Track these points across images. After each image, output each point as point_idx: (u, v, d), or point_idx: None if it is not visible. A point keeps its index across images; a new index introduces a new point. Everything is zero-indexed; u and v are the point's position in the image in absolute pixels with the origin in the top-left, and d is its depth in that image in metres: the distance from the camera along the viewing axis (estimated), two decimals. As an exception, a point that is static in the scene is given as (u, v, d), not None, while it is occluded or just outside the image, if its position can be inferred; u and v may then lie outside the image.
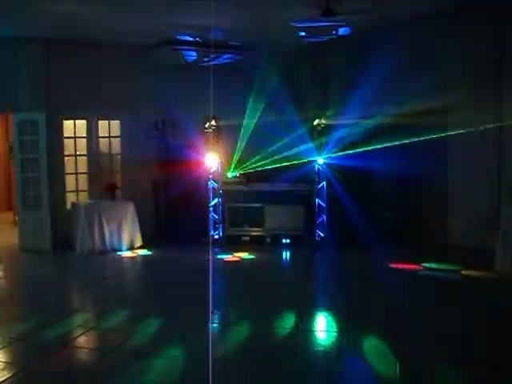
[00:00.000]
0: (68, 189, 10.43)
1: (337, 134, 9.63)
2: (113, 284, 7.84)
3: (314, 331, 5.56)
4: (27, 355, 4.88)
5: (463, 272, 7.59)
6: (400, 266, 7.99)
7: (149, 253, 9.53)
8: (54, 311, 6.29)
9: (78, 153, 10.49)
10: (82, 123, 10.46)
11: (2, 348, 4.96)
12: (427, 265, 7.96)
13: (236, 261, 8.83)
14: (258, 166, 9.93)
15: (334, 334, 5.46)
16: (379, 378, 4.24)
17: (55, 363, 4.69)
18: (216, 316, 5.97)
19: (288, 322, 5.73)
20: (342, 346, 5.03)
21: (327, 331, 5.60)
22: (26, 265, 9.25)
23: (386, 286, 7.00)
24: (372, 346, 4.88)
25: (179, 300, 6.64)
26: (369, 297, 6.67)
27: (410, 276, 7.55)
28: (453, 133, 9.23)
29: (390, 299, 6.40)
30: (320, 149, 9.65)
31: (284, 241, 9.79)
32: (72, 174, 10.46)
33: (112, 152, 10.78)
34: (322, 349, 5.02)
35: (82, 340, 5.25)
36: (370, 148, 9.69)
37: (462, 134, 9.06)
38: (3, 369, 4.44)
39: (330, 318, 6.04)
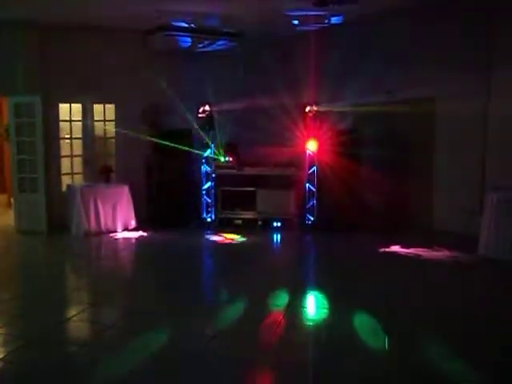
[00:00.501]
0: (63, 171, 10.56)
1: (328, 121, 9.87)
2: (110, 264, 8.09)
3: (304, 307, 5.85)
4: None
5: (447, 255, 7.90)
6: (386, 248, 8.26)
7: (143, 234, 9.75)
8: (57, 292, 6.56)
9: (73, 136, 10.62)
10: (77, 107, 10.59)
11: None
12: (413, 249, 8.23)
13: (228, 242, 9.08)
14: (251, 151, 10.19)
15: (322, 310, 5.77)
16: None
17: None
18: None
19: (279, 299, 6.02)
20: (328, 319, 5.36)
21: (316, 307, 5.92)
22: (22, 246, 9.41)
23: (371, 266, 7.45)
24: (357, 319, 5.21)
25: (175, 279, 6.91)
26: (354, 276, 7.03)
27: (395, 258, 7.84)
28: (440, 121, 9.61)
29: (374, 278, 6.85)
30: (311, 134, 9.88)
31: (275, 224, 10.05)
32: (67, 156, 10.60)
33: (107, 135, 10.92)
34: (311, 323, 5.33)
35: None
36: (359, 134, 10.00)
37: (448, 122, 9.42)
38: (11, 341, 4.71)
39: (317, 295, 6.35)
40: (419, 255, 7.90)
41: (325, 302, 6.06)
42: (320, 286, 6.71)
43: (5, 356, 4.40)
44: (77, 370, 4.23)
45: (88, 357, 4.47)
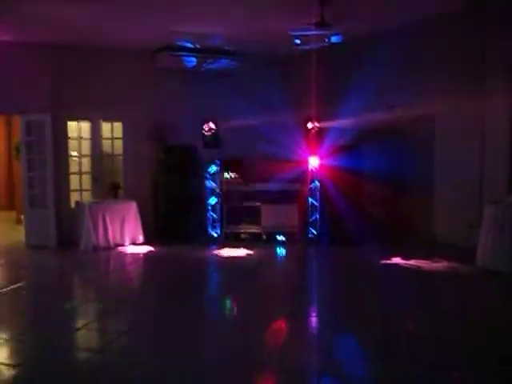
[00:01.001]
0: (72, 188, 10.83)
1: (329, 137, 10.13)
2: (119, 276, 8.33)
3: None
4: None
5: (446, 266, 8.12)
6: (387, 261, 8.49)
7: (151, 249, 9.98)
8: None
9: (82, 153, 10.92)
10: (86, 125, 10.89)
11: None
12: (413, 261, 8.44)
13: (234, 256, 9.31)
14: (256, 167, 10.47)
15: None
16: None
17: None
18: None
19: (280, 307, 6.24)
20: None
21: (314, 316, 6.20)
22: (34, 259, 9.68)
23: (371, 278, 7.74)
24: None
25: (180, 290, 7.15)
26: (353, 286, 7.30)
27: (396, 270, 8.08)
28: (439, 137, 9.86)
29: (374, 289, 7.13)
30: (313, 150, 10.14)
31: (279, 238, 10.28)
32: (76, 173, 10.88)
33: (115, 153, 11.21)
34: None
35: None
36: (360, 150, 10.26)
37: (447, 137, 9.67)
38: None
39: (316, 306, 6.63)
40: (419, 266, 8.11)
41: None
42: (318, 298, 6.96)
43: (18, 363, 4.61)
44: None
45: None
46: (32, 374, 4.49)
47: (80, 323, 5.97)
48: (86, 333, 5.56)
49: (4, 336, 5.30)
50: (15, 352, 4.98)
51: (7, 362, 4.65)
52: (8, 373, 4.40)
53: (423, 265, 8.21)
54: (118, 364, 4.67)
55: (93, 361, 4.74)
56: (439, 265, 8.20)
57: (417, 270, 7.96)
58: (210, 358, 4.81)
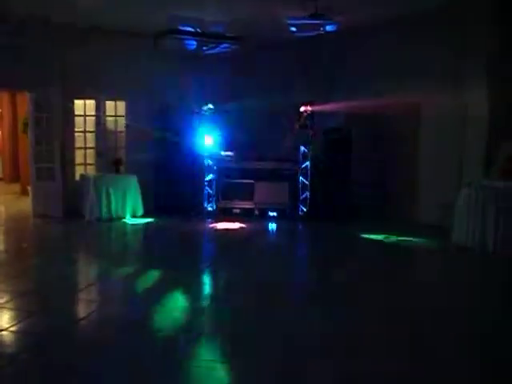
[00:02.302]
0: (77, 162, 11.48)
1: (321, 120, 10.79)
2: (121, 244, 9.07)
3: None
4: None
5: (422, 242, 8.88)
6: (368, 236, 9.24)
7: (150, 220, 10.70)
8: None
9: (86, 129, 11.55)
10: (91, 103, 11.50)
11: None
12: (393, 236, 9.17)
13: (227, 229, 10.02)
14: (250, 146, 11.12)
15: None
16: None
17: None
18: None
19: (270, 272, 6.97)
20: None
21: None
22: (43, 227, 10.41)
23: (350, 250, 8.58)
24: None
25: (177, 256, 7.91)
26: (335, 257, 8.07)
27: (376, 244, 8.80)
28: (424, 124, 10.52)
29: (351, 259, 7.88)
30: (305, 132, 10.81)
31: (271, 214, 10.99)
32: (81, 148, 11.52)
33: (118, 130, 11.84)
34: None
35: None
36: (350, 133, 10.92)
37: (430, 124, 10.34)
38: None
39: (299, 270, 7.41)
40: (395, 242, 8.87)
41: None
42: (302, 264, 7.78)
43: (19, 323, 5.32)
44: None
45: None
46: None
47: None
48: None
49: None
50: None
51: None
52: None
53: (401, 241, 8.92)
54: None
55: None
56: (414, 240, 8.94)
57: (392, 245, 8.70)
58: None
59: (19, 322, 4.90)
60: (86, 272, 7.28)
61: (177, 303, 5.80)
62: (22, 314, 5.14)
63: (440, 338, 4.71)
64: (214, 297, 6.18)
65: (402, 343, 4.59)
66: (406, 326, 5.00)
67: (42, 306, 5.51)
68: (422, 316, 5.30)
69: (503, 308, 5.69)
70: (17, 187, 15.28)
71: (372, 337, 4.71)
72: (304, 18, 9.69)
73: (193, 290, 6.27)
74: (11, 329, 4.70)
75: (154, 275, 6.88)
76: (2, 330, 4.64)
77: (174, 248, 8.55)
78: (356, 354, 4.36)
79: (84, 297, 6.00)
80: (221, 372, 4.04)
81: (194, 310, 5.61)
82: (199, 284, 6.69)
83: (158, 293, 6.01)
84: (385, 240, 8.99)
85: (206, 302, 5.92)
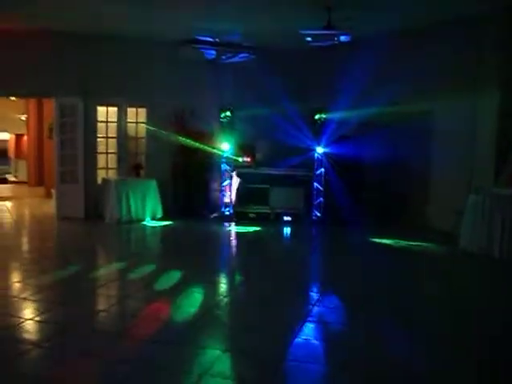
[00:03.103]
0: (99, 166, 11.93)
1: (334, 128, 11.08)
2: (141, 244, 9.51)
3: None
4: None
5: (430, 247, 9.12)
6: (378, 241, 9.50)
7: (169, 223, 11.08)
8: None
9: (109, 135, 11.99)
10: (113, 109, 11.95)
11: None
12: (402, 241, 9.42)
13: (243, 232, 10.36)
14: (267, 153, 11.46)
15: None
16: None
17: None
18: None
19: (282, 272, 7.29)
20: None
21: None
22: (66, 228, 10.85)
23: (362, 253, 8.77)
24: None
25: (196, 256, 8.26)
26: (346, 260, 8.34)
27: (385, 248, 9.05)
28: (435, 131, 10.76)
29: (362, 263, 8.11)
30: (319, 139, 11.13)
31: (285, 218, 11.30)
32: (103, 153, 11.96)
33: (138, 136, 12.27)
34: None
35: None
36: (363, 141, 11.18)
37: (442, 134, 10.57)
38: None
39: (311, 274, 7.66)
40: (406, 247, 9.11)
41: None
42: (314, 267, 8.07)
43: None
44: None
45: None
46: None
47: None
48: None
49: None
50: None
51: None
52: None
53: (410, 246, 9.17)
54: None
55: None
56: (425, 245, 9.16)
57: (403, 250, 8.96)
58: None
59: (42, 312, 5.28)
60: (107, 270, 7.64)
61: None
62: (46, 305, 5.53)
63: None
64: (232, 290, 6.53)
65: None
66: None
67: (64, 300, 5.90)
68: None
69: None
70: (41, 191, 15.82)
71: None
72: (318, 29, 10.01)
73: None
74: (36, 319, 5.09)
75: (171, 274, 7.20)
76: (28, 320, 5.03)
77: (192, 249, 8.95)
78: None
79: (104, 292, 6.36)
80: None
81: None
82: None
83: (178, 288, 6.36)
84: (394, 244, 9.23)
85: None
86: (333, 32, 10.40)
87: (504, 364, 4.41)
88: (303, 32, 10.56)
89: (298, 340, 4.70)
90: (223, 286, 6.93)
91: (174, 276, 6.92)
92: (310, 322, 5.22)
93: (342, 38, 11.13)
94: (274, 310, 5.61)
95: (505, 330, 5.23)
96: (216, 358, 4.28)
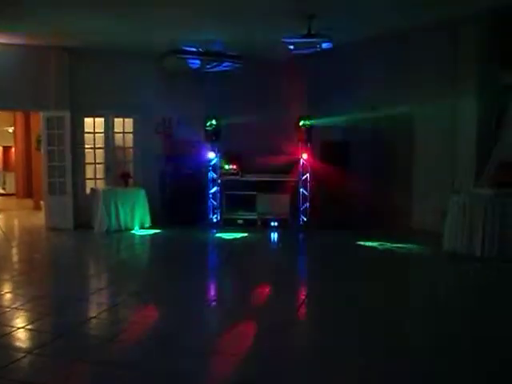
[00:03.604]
0: (87, 177, 12.06)
1: (319, 133, 11.29)
2: (128, 253, 9.61)
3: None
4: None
5: (414, 248, 9.35)
6: (363, 244, 9.69)
7: (158, 231, 11.20)
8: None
9: (96, 146, 12.12)
10: (100, 120, 12.08)
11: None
12: (387, 244, 9.60)
13: (231, 239, 10.49)
14: (252, 160, 11.63)
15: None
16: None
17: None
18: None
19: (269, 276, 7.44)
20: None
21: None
22: (54, 239, 10.97)
23: (346, 256, 9.03)
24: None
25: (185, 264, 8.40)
26: (331, 262, 8.57)
27: (370, 253, 9.23)
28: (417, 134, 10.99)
29: (346, 264, 8.39)
30: (305, 145, 11.31)
31: (272, 223, 11.46)
32: (91, 163, 12.08)
33: (126, 145, 12.41)
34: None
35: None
36: (347, 145, 11.40)
37: (424, 136, 10.80)
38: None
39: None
40: (389, 249, 9.30)
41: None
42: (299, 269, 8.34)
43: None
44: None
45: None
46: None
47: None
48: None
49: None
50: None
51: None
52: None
53: (394, 247, 9.37)
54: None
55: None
56: (408, 247, 9.38)
57: (387, 252, 9.14)
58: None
59: (33, 322, 5.40)
60: (95, 280, 7.76)
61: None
62: (35, 315, 5.65)
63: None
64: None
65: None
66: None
67: (53, 309, 6.03)
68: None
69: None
70: (30, 202, 15.87)
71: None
72: (299, 37, 10.20)
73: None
74: (28, 327, 5.22)
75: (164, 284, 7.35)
76: (19, 328, 5.15)
77: (181, 256, 9.09)
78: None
79: (94, 300, 6.49)
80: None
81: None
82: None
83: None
84: (379, 247, 9.43)
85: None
86: (314, 40, 10.60)
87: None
88: (285, 40, 10.78)
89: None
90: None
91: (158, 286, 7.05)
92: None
93: (324, 46, 11.34)
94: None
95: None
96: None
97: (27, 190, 17.17)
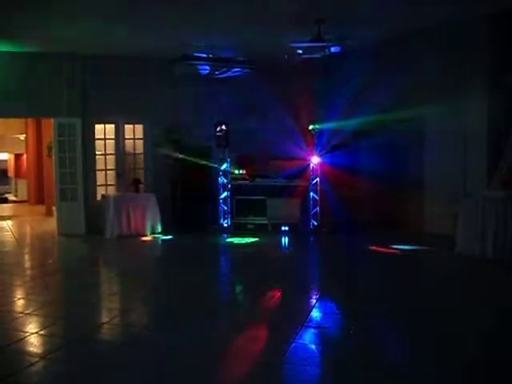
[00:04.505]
0: (98, 183, 12.11)
1: (329, 137, 11.28)
2: (140, 259, 9.66)
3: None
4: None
5: (428, 252, 9.31)
6: (376, 247, 9.64)
7: (169, 237, 11.24)
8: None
9: (107, 152, 12.19)
10: (110, 127, 12.16)
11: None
12: (400, 247, 9.58)
13: (241, 243, 10.51)
14: (262, 164, 11.66)
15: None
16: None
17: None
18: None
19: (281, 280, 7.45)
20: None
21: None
22: (66, 245, 11.08)
23: (358, 261, 8.94)
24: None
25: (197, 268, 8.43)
26: (342, 266, 8.55)
27: (383, 256, 9.20)
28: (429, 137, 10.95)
29: (357, 269, 8.32)
30: (314, 150, 11.32)
31: (283, 228, 11.44)
32: (102, 170, 12.15)
33: (136, 152, 12.47)
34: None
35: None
36: (357, 149, 11.39)
37: (435, 138, 10.75)
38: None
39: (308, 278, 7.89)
40: (402, 252, 9.27)
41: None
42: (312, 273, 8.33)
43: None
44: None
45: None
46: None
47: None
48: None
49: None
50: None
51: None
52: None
53: (407, 251, 9.33)
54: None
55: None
56: (423, 250, 9.38)
57: (398, 255, 9.12)
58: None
59: (46, 327, 5.43)
60: (107, 284, 7.80)
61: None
62: (49, 320, 5.68)
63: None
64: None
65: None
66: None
67: (66, 314, 6.07)
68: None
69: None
70: (42, 209, 15.97)
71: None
72: (308, 41, 10.21)
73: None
74: (40, 332, 5.25)
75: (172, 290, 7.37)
76: (33, 334, 5.18)
77: (191, 262, 9.08)
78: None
79: (106, 305, 6.52)
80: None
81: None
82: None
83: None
84: (391, 251, 9.40)
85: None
86: (323, 44, 10.61)
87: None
88: (293, 45, 10.80)
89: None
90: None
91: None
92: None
93: (333, 49, 11.35)
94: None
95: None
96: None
97: (39, 197, 17.29)
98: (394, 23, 10.01)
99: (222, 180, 11.86)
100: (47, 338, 5.14)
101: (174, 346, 4.92)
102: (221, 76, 12.23)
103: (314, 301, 6.50)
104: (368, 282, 7.32)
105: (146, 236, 11.31)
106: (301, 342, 4.95)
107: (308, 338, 5.09)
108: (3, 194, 22.38)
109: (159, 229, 11.59)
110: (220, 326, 5.66)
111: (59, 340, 5.12)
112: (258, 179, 11.62)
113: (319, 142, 11.24)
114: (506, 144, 9.46)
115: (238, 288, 7.55)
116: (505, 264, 7.93)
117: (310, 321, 5.59)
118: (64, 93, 11.41)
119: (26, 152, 19.01)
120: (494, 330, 5.31)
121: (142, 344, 5.04)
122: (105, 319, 5.94)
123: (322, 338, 5.19)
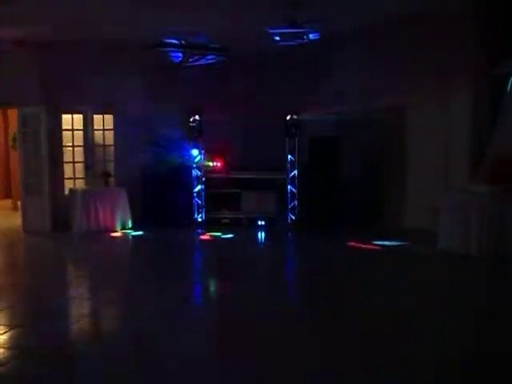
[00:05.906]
0: (66, 176, 11.55)
1: (308, 128, 10.87)
2: (108, 256, 9.16)
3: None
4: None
5: (409, 248, 8.95)
6: (355, 243, 9.23)
7: (139, 232, 10.74)
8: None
9: (75, 144, 11.61)
10: (78, 117, 11.57)
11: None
12: (380, 242, 9.22)
13: (216, 239, 10.07)
14: (237, 157, 11.20)
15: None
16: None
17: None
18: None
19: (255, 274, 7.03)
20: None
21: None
22: (30, 242, 10.55)
23: (333, 256, 8.67)
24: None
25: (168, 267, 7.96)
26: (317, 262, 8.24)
27: (362, 252, 8.82)
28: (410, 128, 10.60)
29: (333, 265, 8.02)
30: (292, 141, 10.90)
31: (259, 223, 11.02)
32: (70, 162, 11.58)
33: (106, 143, 11.90)
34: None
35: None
36: (337, 140, 11.01)
37: (416, 130, 10.41)
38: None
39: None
40: (382, 248, 8.91)
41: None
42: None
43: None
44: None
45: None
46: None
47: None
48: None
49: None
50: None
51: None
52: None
53: (386, 247, 8.98)
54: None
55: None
56: (401, 246, 8.99)
57: (378, 252, 8.75)
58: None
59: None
60: (73, 283, 7.31)
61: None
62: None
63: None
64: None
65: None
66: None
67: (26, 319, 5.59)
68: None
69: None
70: (8, 203, 15.33)
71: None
72: (285, 27, 9.77)
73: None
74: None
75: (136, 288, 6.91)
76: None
77: (162, 260, 8.61)
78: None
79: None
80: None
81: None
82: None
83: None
84: (370, 246, 9.04)
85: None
86: (301, 30, 10.18)
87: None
88: (271, 31, 10.33)
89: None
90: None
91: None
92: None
93: (311, 36, 10.92)
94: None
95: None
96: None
97: (6, 191, 16.60)
98: (377, 10, 9.60)
99: (195, 173, 11.37)
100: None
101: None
102: (194, 64, 11.70)
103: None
104: (337, 280, 7.05)
105: (115, 232, 10.80)
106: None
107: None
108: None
109: (130, 224, 11.08)
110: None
111: (14, 350, 4.64)
112: (232, 171, 11.16)
113: (298, 132, 10.77)
114: (490, 137, 9.15)
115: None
116: (489, 262, 7.63)
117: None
118: (28, 81, 10.80)
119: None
120: (462, 331, 5.06)
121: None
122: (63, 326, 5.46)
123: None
